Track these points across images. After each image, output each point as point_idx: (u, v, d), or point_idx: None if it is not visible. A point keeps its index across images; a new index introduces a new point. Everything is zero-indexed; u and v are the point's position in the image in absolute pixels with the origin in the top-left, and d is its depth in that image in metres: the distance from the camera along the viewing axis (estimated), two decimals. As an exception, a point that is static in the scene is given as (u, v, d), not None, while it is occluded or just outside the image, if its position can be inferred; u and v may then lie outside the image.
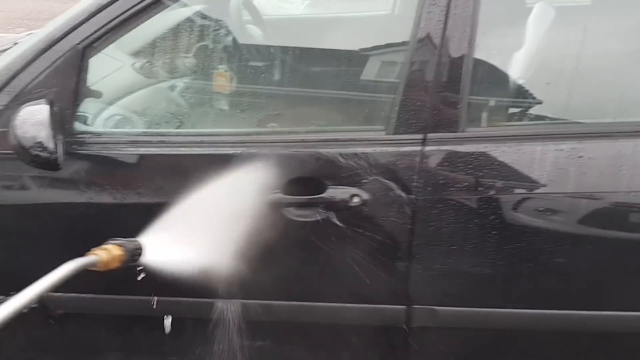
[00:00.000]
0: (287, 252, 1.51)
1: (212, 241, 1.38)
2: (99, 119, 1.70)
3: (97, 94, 1.65)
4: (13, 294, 1.66)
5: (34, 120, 1.40)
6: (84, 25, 1.54)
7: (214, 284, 1.45)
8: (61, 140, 1.43)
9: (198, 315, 1.59)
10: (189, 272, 1.36)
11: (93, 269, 1.20)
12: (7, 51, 1.99)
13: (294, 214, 1.49)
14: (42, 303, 1.46)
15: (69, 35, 1.55)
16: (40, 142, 1.38)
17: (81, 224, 1.58)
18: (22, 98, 1.54)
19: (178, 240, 1.37)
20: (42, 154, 1.39)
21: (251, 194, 1.44)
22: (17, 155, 1.43)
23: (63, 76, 1.55)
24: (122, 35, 1.59)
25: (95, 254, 1.21)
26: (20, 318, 1.09)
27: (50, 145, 1.39)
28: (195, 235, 1.38)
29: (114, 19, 1.53)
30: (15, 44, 2.12)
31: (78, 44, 1.54)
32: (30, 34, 2.53)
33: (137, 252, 1.28)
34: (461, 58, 1.44)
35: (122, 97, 1.82)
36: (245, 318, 1.56)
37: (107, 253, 1.22)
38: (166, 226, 1.40)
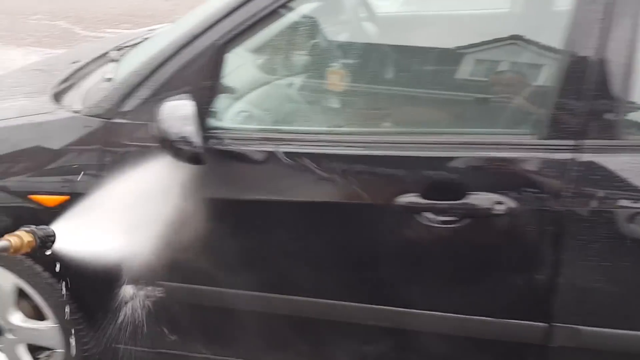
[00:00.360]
0: (418, 258, 1.45)
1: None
2: (228, 114, 1.71)
3: (230, 90, 1.65)
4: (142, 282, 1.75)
5: (178, 115, 1.42)
6: (224, 22, 1.54)
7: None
8: (202, 135, 1.44)
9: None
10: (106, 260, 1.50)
11: (4, 253, 1.29)
12: (139, 46, 2.05)
13: (430, 219, 1.42)
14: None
15: (208, 32, 1.55)
16: (185, 137, 1.40)
17: (217, 219, 1.59)
18: (162, 93, 1.57)
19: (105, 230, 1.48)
20: (187, 148, 1.40)
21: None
22: (161, 148, 1.45)
23: (202, 72, 1.56)
24: (259, 32, 1.57)
25: (7, 240, 1.29)
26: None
27: (195, 139, 1.40)
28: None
29: (254, 15, 1.52)
30: (145, 39, 2.18)
31: (217, 40, 1.54)
32: (152, 29, 2.60)
33: (49, 239, 1.36)
34: (623, 59, 1.32)
35: (247, 93, 1.82)
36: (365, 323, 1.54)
37: (18, 239, 1.30)
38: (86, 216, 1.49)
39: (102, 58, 2.23)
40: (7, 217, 1.73)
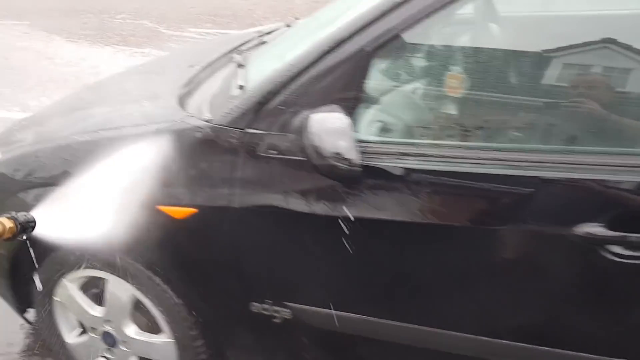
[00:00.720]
0: (602, 297, 1.27)
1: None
2: (362, 125, 1.57)
3: (372, 100, 1.51)
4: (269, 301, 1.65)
5: (330, 128, 1.29)
6: (374, 26, 1.40)
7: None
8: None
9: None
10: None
11: None
12: (265, 50, 1.94)
13: (618, 254, 1.24)
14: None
15: (355, 37, 1.41)
16: (340, 153, 1.27)
17: (353, 240, 1.46)
18: (301, 102, 1.45)
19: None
20: (341, 165, 1.27)
21: None
22: (310, 163, 1.33)
23: (347, 81, 1.43)
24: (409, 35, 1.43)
25: None
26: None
27: (353, 156, 1.27)
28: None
29: (409, 18, 1.37)
30: (264, 42, 2.07)
31: (365, 46, 1.40)
32: (260, 31, 2.49)
33: (29, 225, 1.40)
34: None
35: (381, 102, 1.67)
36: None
37: (0, 225, 1.34)
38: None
39: (219, 61, 2.14)
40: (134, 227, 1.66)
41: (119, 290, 1.84)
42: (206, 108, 1.70)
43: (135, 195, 1.62)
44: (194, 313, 1.77)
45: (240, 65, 1.77)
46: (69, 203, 1.65)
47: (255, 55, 1.94)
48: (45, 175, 1.76)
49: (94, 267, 1.84)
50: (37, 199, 1.71)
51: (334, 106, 1.36)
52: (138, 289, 1.81)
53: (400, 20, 1.39)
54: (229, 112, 1.56)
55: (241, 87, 1.62)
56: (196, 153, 1.58)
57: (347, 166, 1.26)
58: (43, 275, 1.93)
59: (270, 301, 1.65)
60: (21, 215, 1.40)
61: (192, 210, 1.60)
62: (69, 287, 1.92)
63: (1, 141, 2.04)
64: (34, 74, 5.43)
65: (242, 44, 2.33)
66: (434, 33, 1.47)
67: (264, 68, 1.66)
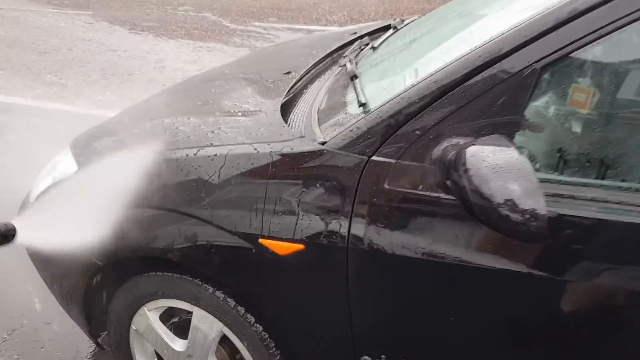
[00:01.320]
0: None
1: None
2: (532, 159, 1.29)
3: (534, 127, 1.24)
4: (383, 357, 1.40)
5: (499, 165, 1.03)
6: (546, 37, 1.12)
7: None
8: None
9: None
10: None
11: None
12: (373, 57, 1.68)
13: None
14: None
15: (522, 50, 1.14)
16: (513, 201, 1.00)
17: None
18: (448, 128, 1.18)
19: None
20: (516, 217, 1.00)
21: None
22: (466, 209, 1.07)
23: (508, 103, 1.15)
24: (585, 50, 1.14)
25: None
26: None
27: (536, 206, 0.99)
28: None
29: (593, 29, 1.08)
30: (372, 47, 1.81)
31: (536, 62, 1.12)
32: (352, 31, 2.23)
33: (9, 232, 1.35)
34: None
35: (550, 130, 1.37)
36: None
37: None
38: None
39: (319, 68, 1.90)
40: (225, 257, 1.44)
41: (205, 325, 1.63)
42: (316, 127, 1.45)
43: (235, 225, 1.40)
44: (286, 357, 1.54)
45: (354, 77, 1.52)
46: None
47: (368, 64, 1.68)
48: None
49: (178, 298, 1.64)
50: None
51: (499, 136, 1.09)
52: (227, 325, 1.59)
53: (583, 30, 1.10)
54: (348, 135, 1.31)
55: (363, 105, 1.36)
56: (307, 182, 1.34)
57: (525, 219, 0.99)
58: (121, 302, 1.74)
59: (385, 356, 1.41)
60: (1, 224, 1.36)
61: (298, 246, 1.36)
62: (149, 317, 1.73)
63: (77, 148, 1.85)
64: (98, 66, 5.34)
65: (340, 48, 2.08)
66: (625, 47, 1.18)
67: (388, 82, 1.41)
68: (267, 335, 1.55)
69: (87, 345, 2.16)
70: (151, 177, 1.49)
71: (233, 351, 1.68)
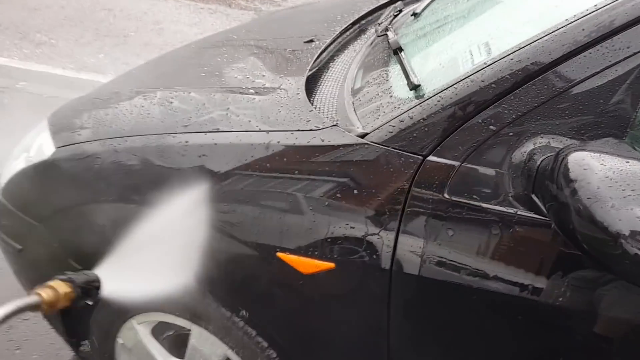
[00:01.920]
0: None
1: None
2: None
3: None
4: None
5: (617, 180, 0.73)
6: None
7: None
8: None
9: None
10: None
11: (37, 311, 1.08)
12: (419, 28, 1.36)
13: None
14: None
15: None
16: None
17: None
18: (536, 126, 0.88)
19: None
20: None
21: None
22: (565, 234, 0.78)
23: (622, 94, 0.85)
24: None
25: (38, 293, 1.08)
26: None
27: None
28: None
29: None
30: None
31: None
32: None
33: (91, 285, 1.16)
34: None
35: None
36: None
37: (52, 291, 1.10)
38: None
39: (347, 37, 1.58)
40: (234, 270, 1.16)
41: (206, 346, 1.36)
42: (352, 112, 1.15)
43: (248, 233, 1.11)
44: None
45: (398, 49, 1.20)
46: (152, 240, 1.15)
47: (412, 34, 1.37)
48: (127, 182, 1.25)
49: (174, 314, 1.35)
50: (109, 220, 1.23)
51: (618, 142, 0.80)
52: (233, 349, 1.31)
53: None
54: (396, 126, 1.01)
55: (416, 88, 1.05)
56: (342, 184, 1.04)
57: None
58: (105, 312, 1.45)
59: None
60: (80, 276, 1.15)
61: (328, 264, 1.07)
62: (139, 331, 1.45)
63: (57, 126, 1.54)
64: (91, 26, 4.97)
65: (368, 14, 1.75)
66: None
67: (447, 58, 1.10)
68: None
69: (68, 349, 1.89)
70: None
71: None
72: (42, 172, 1.41)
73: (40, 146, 1.49)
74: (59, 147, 1.41)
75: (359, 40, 1.57)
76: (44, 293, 1.10)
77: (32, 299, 1.09)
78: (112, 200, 1.28)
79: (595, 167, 0.76)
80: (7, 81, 4.01)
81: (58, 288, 1.11)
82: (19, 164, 1.53)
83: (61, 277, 1.13)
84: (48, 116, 1.61)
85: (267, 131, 1.15)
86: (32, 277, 1.53)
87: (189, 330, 1.37)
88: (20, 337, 1.97)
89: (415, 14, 1.48)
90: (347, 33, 1.62)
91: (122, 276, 1.19)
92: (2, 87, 3.92)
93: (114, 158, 1.30)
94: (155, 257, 1.15)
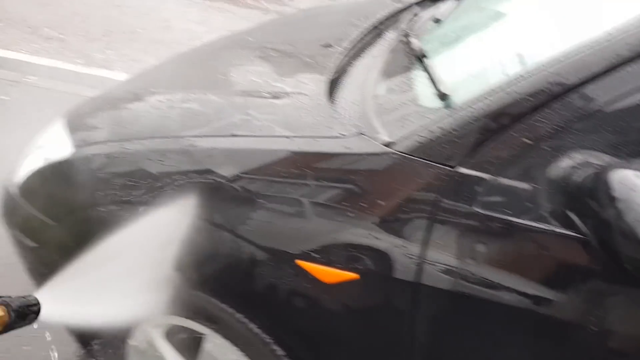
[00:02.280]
0: None
1: None
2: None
3: None
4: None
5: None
6: None
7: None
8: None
9: None
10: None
11: None
12: (443, 33, 1.35)
13: None
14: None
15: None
16: None
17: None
18: (575, 139, 0.87)
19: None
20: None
21: None
22: (607, 253, 0.77)
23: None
24: None
25: None
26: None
27: None
28: None
29: None
30: (436, 18, 1.47)
31: None
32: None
33: (29, 309, 1.06)
34: None
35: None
36: None
37: None
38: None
39: (366, 42, 1.56)
40: (252, 276, 1.15)
41: (221, 353, 1.33)
42: (375, 120, 1.13)
43: (267, 239, 1.09)
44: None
45: (422, 56, 1.18)
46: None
47: (436, 41, 1.35)
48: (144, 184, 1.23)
49: (189, 317, 1.34)
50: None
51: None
52: (247, 355, 1.30)
53: None
54: (424, 136, 0.99)
55: (443, 97, 1.04)
56: (367, 193, 1.03)
57: None
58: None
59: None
60: (16, 300, 1.05)
61: (351, 275, 1.05)
62: (151, 334, 1.43)
63: (74, 125, 1.52)
64: (100, 22, 4.95)
65: (388, 18, 1.73)
66: None
67: (478, 68, 1.08)
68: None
69: (76, 347, 1.87)
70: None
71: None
72: (59, 171, 1.39)
73: (57, 145, 1.48)
74: (77, 146, 1.39)
75: (378, 45, 1.55)
76: None
77: None
78: (128, 202, 1.26)
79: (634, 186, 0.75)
80: (16, 75, 3.99)
81: None
82: (35, 162, 1.51)
83: None
84: (64, 114, 1.60)
85: (290, 137, 1.13)
86: (46, 275, 1.52)
87: (203, 334, 1.35)
88: (29, 335, 1.94)
89: (437, 20, 1.46)
90: (366, 37, 1.60)
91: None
92: (12, 81, 3.91)
93: (132, 159, 1.28)
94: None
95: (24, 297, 1.07)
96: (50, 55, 4.27)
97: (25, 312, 1.06)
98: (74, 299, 1.15)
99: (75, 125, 1.50)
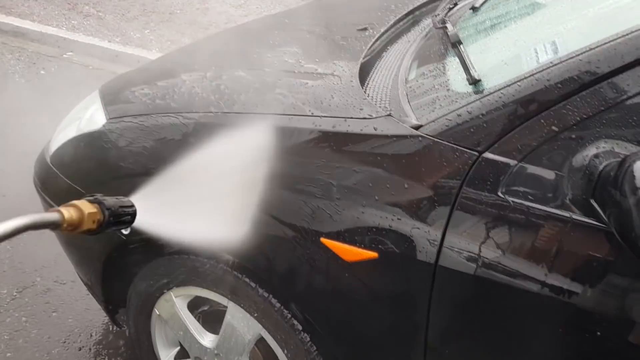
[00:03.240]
0: None
1: None
2: None
3: None
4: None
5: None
6: None
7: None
8: None
9: None
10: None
11: (57, 230, 0.91)
12: (478, 20, 1.34)
13: None
14: None
15: None
16: None
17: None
18: (607, 129, 0.86)
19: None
20: None
21: None
22: (625, 241, 0.77)
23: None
24: None
25: (59, 211, 0.90)
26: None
27: None
28: None
29: None
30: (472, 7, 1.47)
31: None
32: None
33: (123, 211, 0.99)
34: None
35: None
36: None
37: (75, 210, 0.92)
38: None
39: (400, 27, 1.56)
40: (276, 253, 1.17)
41: (241, 324, 1.37)
42: (406, 103, 1.14)
43: (292, 217, 1.11)
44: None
45: (457, 43, 1.18)
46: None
47: (472, 28, 1.35)
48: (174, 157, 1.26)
49: (212, 289, 1.37)
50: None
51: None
52: (267, 329, 1.33)
53: None
54: (453, 120, 1.00)
55: (475, 83, 1.04)
56: (392, 174, 1.04)
57: None
58: (144, 282, 1.48)
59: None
60: (110, 200, 0.96)
61: (371, 254, 1.07)
62: (176, 303, 1.47)
63: (109, 98, 1.56)
64: (139, 1, 5.03)
65: (425, 5, 1.73)
66: None
67: (509, 55, 1.08)
68: (314, 348, 1.28)
69: (102, 315, 1.94)
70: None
71: (269, 353, 1.42)
72: (92, 142, 1.44)
73: (91, 116, 1.52)
74: (111, 118, 1.43)
75: (412, 31, 1.55)
76: (66, 211, 0.93)
77: (51, 215, 0.92)
78: (158, 174, 1.29)
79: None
80: (54, 50, 4.09)
81: (83, 208, 0.94)
82: (69, 132, 1.56)
83: (88, 197, 0.97)
84: (100, 88, 1.64)
85: (320, 116, 1.15)
86: (79, 244, 1.58)
87: (225, 306, 1.38)
88: (57, 301, 2.02)
89: (474, 8, 1.46)
90: (401, 23, 1.60)
91: (160, 210, 1.11)
92: (50, 56, 4.01)
93: (164, 133, 1.31)
94: (201, 203, 1.14)
95: (117, 199, 1.01)
96: (89, 32, 4.36)
97: (120, 214, 1.00)
98: (167, 211, 1.12)
99: (109, 98, 1.54)
